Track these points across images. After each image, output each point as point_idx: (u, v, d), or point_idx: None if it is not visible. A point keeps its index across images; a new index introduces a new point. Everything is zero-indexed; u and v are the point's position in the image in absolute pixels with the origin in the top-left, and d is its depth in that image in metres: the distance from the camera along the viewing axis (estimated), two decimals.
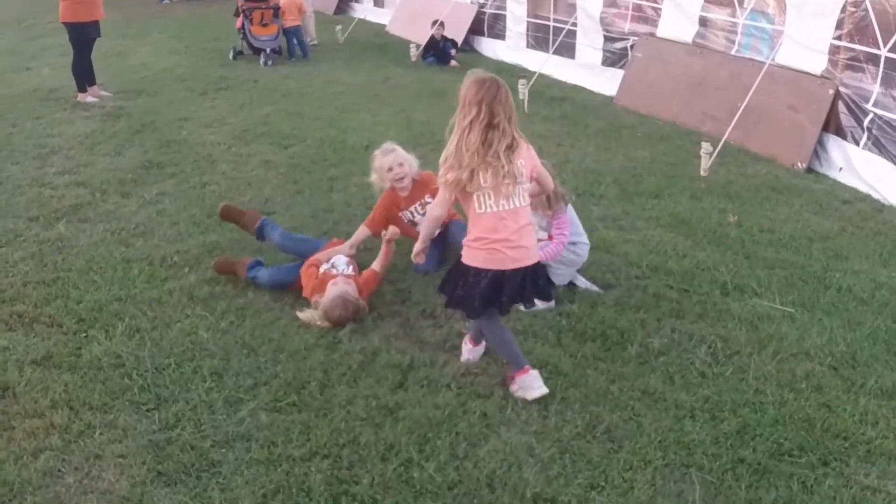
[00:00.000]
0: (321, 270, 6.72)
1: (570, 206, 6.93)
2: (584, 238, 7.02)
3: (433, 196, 7.07)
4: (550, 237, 6.73)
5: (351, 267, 6.77)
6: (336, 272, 6.65)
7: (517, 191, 5.18)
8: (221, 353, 5.94)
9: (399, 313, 6.44)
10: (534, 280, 5.31)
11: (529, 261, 5.26)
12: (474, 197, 5.16)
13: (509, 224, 5.16)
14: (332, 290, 6.35)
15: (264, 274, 6.87)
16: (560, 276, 6.86)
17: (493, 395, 5.40)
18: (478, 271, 5.21)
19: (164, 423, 5.14)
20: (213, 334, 6.18)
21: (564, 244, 6.71)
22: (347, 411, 5.22)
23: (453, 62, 16.95)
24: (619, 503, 4.49)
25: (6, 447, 4.91)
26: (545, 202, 6.62)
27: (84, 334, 6.21)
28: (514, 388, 5.42)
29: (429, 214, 5.72)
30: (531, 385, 5.36)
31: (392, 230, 6.95)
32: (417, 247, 5.62)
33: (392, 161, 7.20)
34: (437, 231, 6.54)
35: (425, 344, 6.07)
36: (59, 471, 4.73)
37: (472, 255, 5.25)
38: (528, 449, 4.87)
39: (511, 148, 5.10)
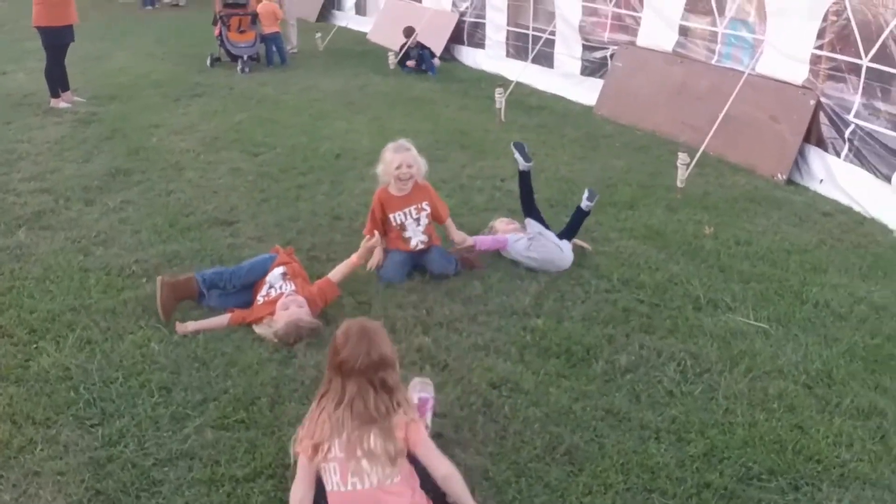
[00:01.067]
0: (260, 300, 6.48)
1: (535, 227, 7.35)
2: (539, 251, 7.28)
3: (430, 205, 6.92)
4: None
5: (290, 283, 6.52)
6: (276, 293, 6.44)
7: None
8: (172, 366, 5.75)
9: None
10: None
11: None
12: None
13: None
14: (284, 315, 6.13)
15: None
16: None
17: (449, 415, 5.20)
18: None
19: (106, 439, 4.97)
20: (166, 347, 5.99)
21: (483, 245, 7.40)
22: (296, 429, 5.01)
23: (435, 66, 16.87)
24: None
25: None
26: None
27: (34, 345, 6.03)
28: None
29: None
30: None
31: (374, 240, 6.78)
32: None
33: (402, 160, 7.02)
34: (420, 248, 6.58)
35: None
36: None
37: None
38: (483, 472, 4.68)
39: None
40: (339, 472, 4.07)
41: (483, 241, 7.45)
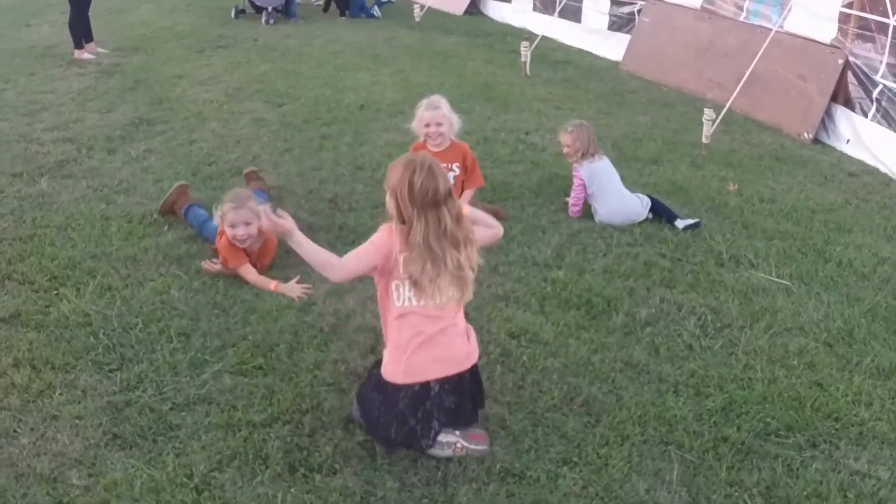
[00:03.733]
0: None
1: (602, 163, 7.41)
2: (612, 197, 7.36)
3: (460, 167, 6.85)
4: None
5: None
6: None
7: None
8: (191, 313, 5.77)
9: None
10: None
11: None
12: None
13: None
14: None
15: (196, 216, 6.83)
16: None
17: None
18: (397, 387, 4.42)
19: (125, 384, 4.98)
20: (185, 294, 6.01)
21: (576, 203, 7.39)
22: (314, 376, 5.05)
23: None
24: (592, 480, 4.28)
25: None
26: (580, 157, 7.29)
27: (55, 292, 6.05)
28: None
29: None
30: None
31: None
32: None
33: (431, 118, 6.97)
34: None
35: None
36: (15, 431, 4.60)
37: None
38: (500, 421, 4.68)
39: None
40: (412, 289, 4.25)
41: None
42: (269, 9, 16.91)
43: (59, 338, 5.47)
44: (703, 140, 9.20)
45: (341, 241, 6.79)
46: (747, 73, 10.04)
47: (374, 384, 4.49)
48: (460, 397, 4.47)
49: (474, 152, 7.90)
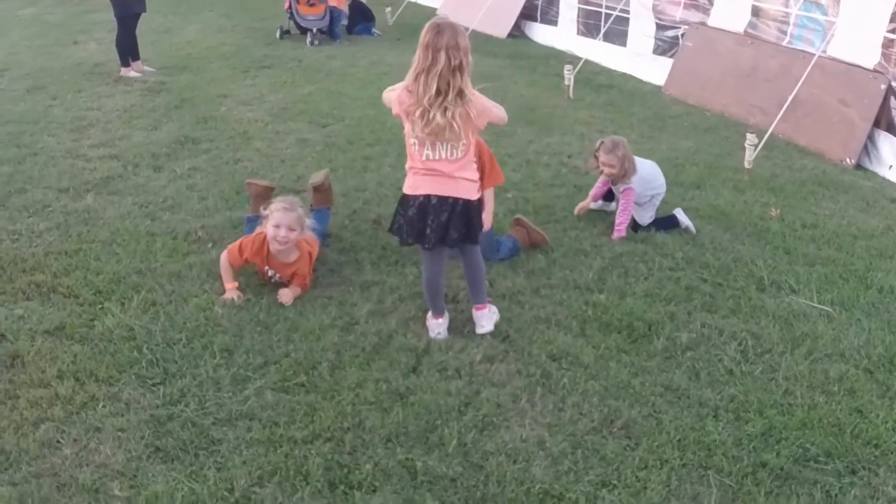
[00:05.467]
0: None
1: (651, 163, 7.77)
2: (663, 188, 7.77)
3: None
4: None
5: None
6: None
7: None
8: (235, 329, 5.82)
9: (420, 296, 6.23)
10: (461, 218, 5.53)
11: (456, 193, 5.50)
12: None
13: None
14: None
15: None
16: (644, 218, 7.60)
17: (508, 385, 5.23)
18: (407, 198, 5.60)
19: (168, 398, 5.03)
20: (229, 310, 6.05)
21: (628, 215, 7.45)
22: (356, 394, 5.08)
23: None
24: (630, 503, 4.29)
25: (8, 416, 4.85)
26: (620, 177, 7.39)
27: (100, 306, 6.12)
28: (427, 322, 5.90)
29: None
30: (431, 328, 5.81)
31: None
32: None
33: None
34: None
35: None
36: (58, 442, 4.66)
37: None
38: (539, 442, 4.69)
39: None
40: (417, 147, 5.45)
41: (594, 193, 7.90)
42: (314, 30, 16.98)
43: (104, 351, 5.53)
44: (746, 165, 9.19)
45: (384, 261, 6.85)
46: (790, 98, 10.03)
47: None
48: (450, 216, 5.49)
49: (516, 175, 7.93)
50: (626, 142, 7.53)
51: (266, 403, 4.99)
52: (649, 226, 7.57)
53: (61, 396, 5.01)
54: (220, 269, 6.44)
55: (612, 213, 7.66)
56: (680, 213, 7.67)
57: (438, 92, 5.16)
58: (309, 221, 6.51)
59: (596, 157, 7.55)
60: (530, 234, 7.18)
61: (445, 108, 5.19)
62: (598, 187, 7.88)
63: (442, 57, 5.10)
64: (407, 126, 5.43)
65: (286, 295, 6.24)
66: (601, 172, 7.61)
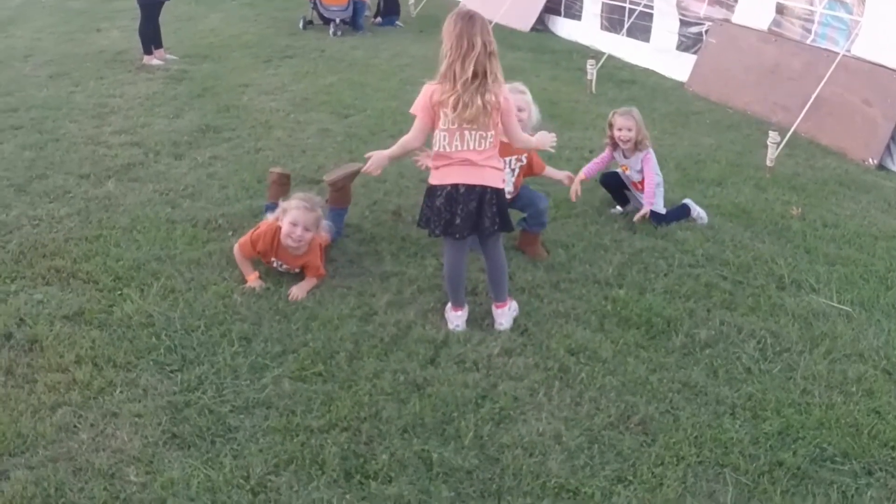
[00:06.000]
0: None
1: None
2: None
3: (528, 157, 6.87)
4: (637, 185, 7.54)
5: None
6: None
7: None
8: (253, 317, 5.83)
9: (439, 287, 6.26)
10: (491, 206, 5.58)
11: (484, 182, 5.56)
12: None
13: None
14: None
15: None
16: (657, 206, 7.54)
17: (525, 378, 5.23)
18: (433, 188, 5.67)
19: (185, 384, 5.06)
20: (248, 298, 6.07)
21: (653, 180, 7.44)
22: (373, 385, 5.09)
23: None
24: (646, 499, 4.29)
25: (26, 399, 4.89)
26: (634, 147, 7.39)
27: (119, 292, 6.15)
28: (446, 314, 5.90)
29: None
30: (450, 320, 5.84)
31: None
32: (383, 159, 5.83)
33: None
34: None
35: None
36: (75, 426, 4.69)
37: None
38: (556, 436, 4.69)
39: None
40: (447, 139, 5.48)
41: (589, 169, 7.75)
42: (337, 20, 16.97)
43: (122, 337, 5.56)
44: (768, 163, 9.15)
45: (404, 252, 6.85)
46: (813, 96, 9.99)
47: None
48: (479, 204, 5.53)
49: None
50: (636, 111, 7.55)
51: (283, 392, 5.00)
52: (665, 218, 7.54)
53: (79, 381, 5.04)
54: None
55: (630, 213, 7.66)
56: (690, 203, 7.71)
57: (475, 75, 5.26)
58: (325, 223, 6.53)
59: (610, 127, 7.53)
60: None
61: (484, 92, 5.30)
62: (594, 163, 7.82)
63: (478, 42, 5.23)
64: (439, 118, 5.47)
65: (298, 291, 6.23)
66: (610, 146, 7.62)
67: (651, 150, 7.45)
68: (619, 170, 7.70)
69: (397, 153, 5.77)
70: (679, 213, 7.64)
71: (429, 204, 5.67)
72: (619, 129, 7.41)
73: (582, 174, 7.66)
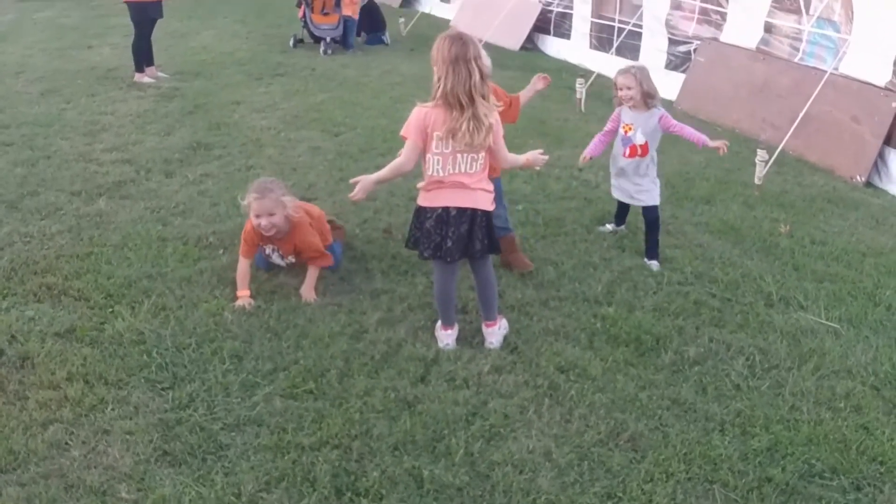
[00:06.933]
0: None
1: None
2: None
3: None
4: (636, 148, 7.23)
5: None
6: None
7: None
8: (244, 335, 5.84)
9: (429, 305, 6.28)
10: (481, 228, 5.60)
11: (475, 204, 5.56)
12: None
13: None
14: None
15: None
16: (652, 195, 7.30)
17: (515, 395, 5.24)
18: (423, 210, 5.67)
19: (176, 402, 5.06)
20: (238, 316, 6.09)
21: (690, 130, 7.29)
22: (364, 402, 5.10)
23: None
24: None
25: (17, 416, 4.89)
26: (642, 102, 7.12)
27: (110, 309, 6.16)
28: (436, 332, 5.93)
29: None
30: (440, 339, 5.85)
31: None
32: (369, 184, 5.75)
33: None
34: None
35: None
36: (66, 443, 4.69)
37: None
38: (546, 453, 4.70)
39: None
40: (440, 163, 5.46)
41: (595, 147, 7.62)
42: (328, 39, 17.03)
43: (113, 354, 5.56)
44: (756, 181, 9.21)
45: (394, 269, 6.88)
46: (801, 114, 10.05)
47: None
48: (471, 227, 5.53)
49: (527, 187, 7.97)
50: (644, 67, 7.38)
51: (274, 409, 5.01)
52: (654, 211, 7.31)
53: (70, 398, 5.04)
54: (231, 275, 6.49)
55: (622, 237, 7.68)
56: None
57: (472, 101, 5.25)
58: (288, 198, 6.51)
59: (615, 88, 7.35)
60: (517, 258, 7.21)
61: (484, 118, 5.31)
62: (599, 138, 7.59)
63: (474, 67, 5.22)
64: (432, 141, 5.44)
65: (306, 292, 6.40)
66: (618, 108, 7.40)
67: (664, 111, 7.22)
68: (620, 131, 7.35)
69: (386, 177, 5.76)
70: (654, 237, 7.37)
71: (418, 225, 5.68)
72: (620, 89, 7.22)
73: (587, 154, 7.57)
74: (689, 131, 7.25)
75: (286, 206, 6.35)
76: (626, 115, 7.27)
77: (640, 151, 7.22)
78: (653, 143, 7.23)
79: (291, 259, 6.69)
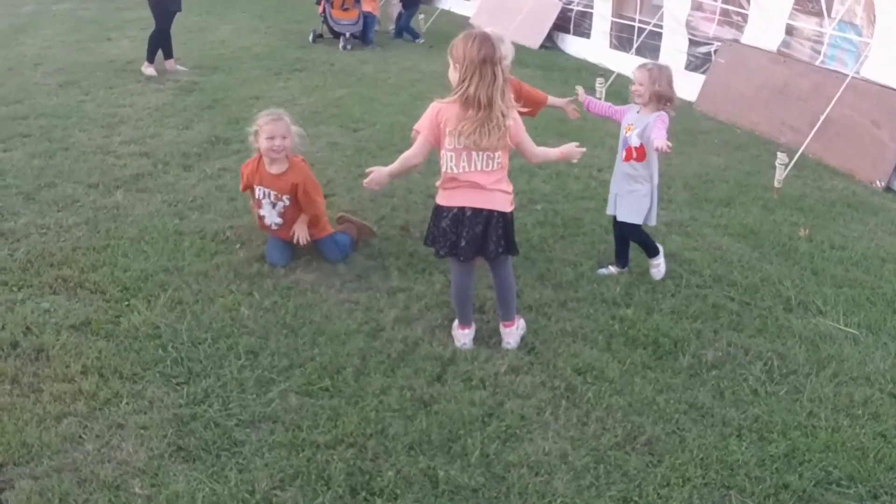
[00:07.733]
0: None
1: None
2: None
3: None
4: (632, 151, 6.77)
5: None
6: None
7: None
8: (261, 331, 5.83)
9: (447, 304, 6.26)
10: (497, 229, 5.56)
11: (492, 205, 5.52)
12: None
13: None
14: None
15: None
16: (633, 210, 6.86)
17: (532, 397, 5.21)
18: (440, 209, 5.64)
19: (191, 397, 5.05)
20: (255, 312, 6.07)
21: (663, 129, 6.46)
22: (380, 401, 5.08)
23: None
24: None
25: (31, 409, 4.88)
26: (651, 102, 6.69)
27: (126, 303, 6.15)
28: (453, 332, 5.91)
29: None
30: (457, 338, 5.83)
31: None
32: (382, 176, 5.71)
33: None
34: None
35: None
36: (80, 437, 4.68)
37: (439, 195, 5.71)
38: (562, 456, 4.67)
39: None
40: (454, 159, 5.42)
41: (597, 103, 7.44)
42: (347, 35, 17.04)
43: (129, 348, 5.56)
44: (776, 184, 9.16)
45: (412, 267, 6.87)
46: (821, 117, 10.00)
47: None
48: (485, 228, 5.50)
49: (546, 186, 7.92)
50: (667, 68, 6.89)
51: (290, 406, 4.99)
52: (636, 232, 6.91)
53: (85, 392, 5.04)
54: (248, 270, 6.54)
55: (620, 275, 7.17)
56: (661, 253, 7.07)
57: (490, 104, 5.22)
58: (294, 129, 6.78)
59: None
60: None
61: (499, 116, 5.26)
62: (604, 104, 7.39)
63: (500, 70, 5.21)
64: (445, 137, 5.40)
65: (299, 230, 6.76)
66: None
67: (666, 115, 6.64)
68: (622, 131, 6.91)
69: (398, 170, 5.70)
70: (648, 244, 7.01)
71: (435, 223, 5.66)
72: (633, 84, 6.82)
73: (585, 100, 7.49)
74: (658, 129, 6.51)
75: (294, 136, 6.66)
76: (631, 113, 6.92)
77: (635, 155, 6.77)
78: (649, 149, 6.66)
79: (283, 204, 6.75)
